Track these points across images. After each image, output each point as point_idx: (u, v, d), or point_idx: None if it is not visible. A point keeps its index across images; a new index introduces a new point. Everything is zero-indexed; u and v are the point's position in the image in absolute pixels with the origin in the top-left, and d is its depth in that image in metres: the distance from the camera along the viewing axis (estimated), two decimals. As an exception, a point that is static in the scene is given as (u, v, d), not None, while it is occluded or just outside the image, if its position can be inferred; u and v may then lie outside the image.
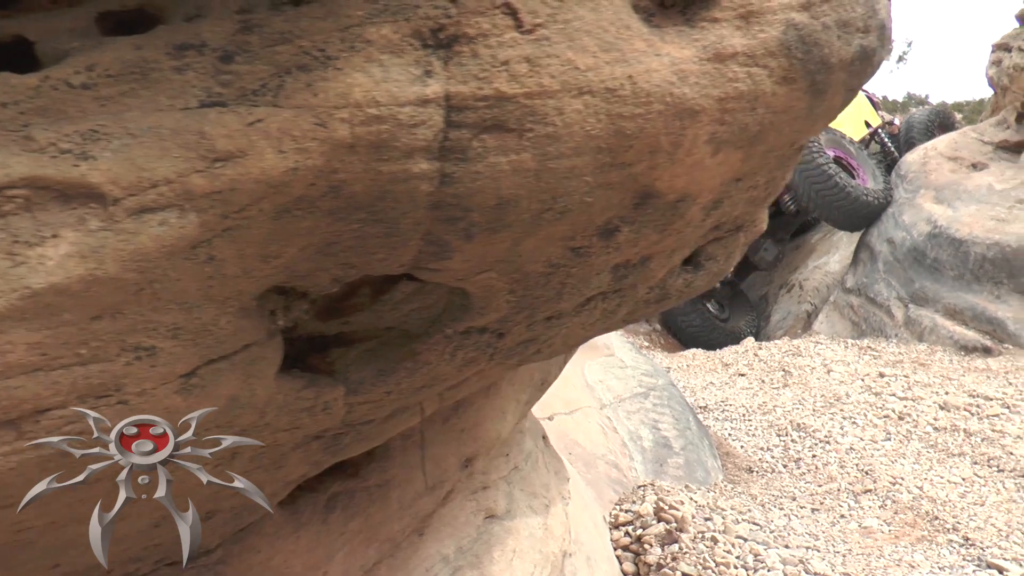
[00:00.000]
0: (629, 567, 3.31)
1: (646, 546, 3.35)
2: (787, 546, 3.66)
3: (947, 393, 6.28)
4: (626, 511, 3.65)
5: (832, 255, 11.24)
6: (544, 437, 3.13)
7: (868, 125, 12.43)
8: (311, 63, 1.12)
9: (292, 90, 1.11)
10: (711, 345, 9.94)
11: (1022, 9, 10.64)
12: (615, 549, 3.38)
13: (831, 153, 9.92)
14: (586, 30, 1.23)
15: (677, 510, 3.60)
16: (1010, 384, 6.51)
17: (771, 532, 3.84)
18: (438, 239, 1.28)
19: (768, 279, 12.04)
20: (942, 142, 10.45)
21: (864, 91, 13.97)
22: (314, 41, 1.11)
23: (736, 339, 10.12)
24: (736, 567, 3.29)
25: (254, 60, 1.10)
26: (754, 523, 3.91)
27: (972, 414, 5.81)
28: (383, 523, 1.98)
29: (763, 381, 7.01)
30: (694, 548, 3.36)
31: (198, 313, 1.16)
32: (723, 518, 3.79)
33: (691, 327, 10.66)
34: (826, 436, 5.46)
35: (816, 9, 1.41)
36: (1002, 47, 10.93)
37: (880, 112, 14.54)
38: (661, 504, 3.65)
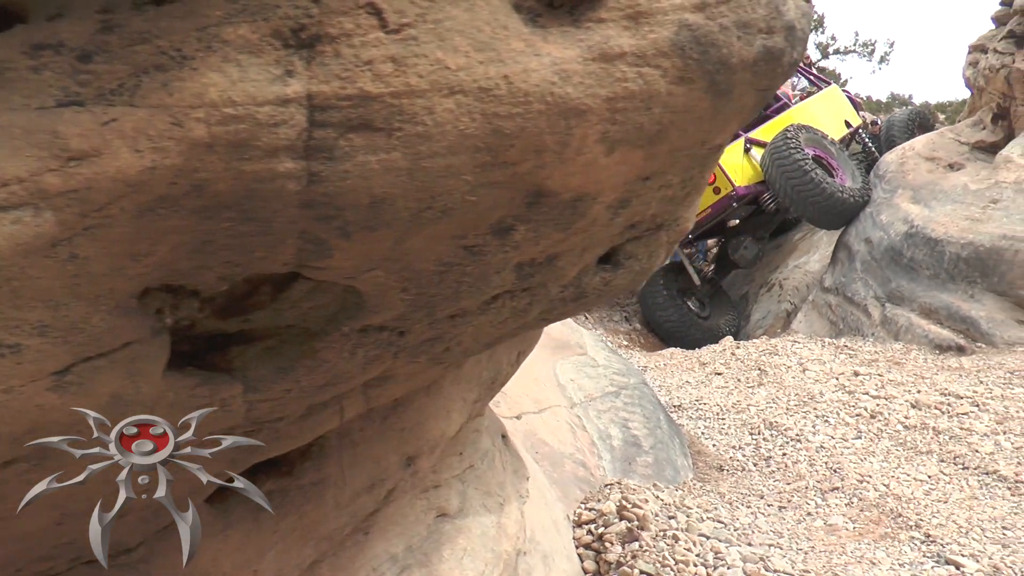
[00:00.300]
0: (590, 565, 3.31)
1: (607, 544, 3.36)
2: (750, 544, 3.67)
3: (919, 392, 6.30)
4: (590, 509, 3.65)
5: (812, 254, 11.28)
6: (504, 436, 3.13)
7: (849, 125, 12.48)
8: (167, 63, 1.11)
9: (148, 90, 1.10)
10: (691, 343, 9.97)
11: (998, 10, 10.68)
12: (577, 547, 3.39)
13: (810, 152, 9.96)
14: (458, 30, 1.22)
15: (640, 508, 3.60)
16: (981, 383, 6.54)
17: (735, 530, 3.85)
18: (315, 237, 1.28)
19: (749, 278, 12.07)
20: (920, 142, 10.50)
21: (846, 91, 14.03)
22: (171, 41, 1.11)
23: (716, 337, 10.16)
24: (696, 565, 3.30)
25: (113, 60, 1.10)
26: (719, 521, 3.92)
27: (942, 412, 5.83)
28: (319, 521, 1.98)
29: (739, 380, 7.02)
30: (654, 546, 3.36)
31: (66, 311, 1.15)
32: (687, 516, 3.80)
33: (671, 325, 10.71)
34: (798, 434, 5.48)
35: (712, 10, 1.41)
36: (978, 48, 10.99)
37: (862, 112, 14.61)
38: (624, 503, 3.66)
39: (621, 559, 3.28)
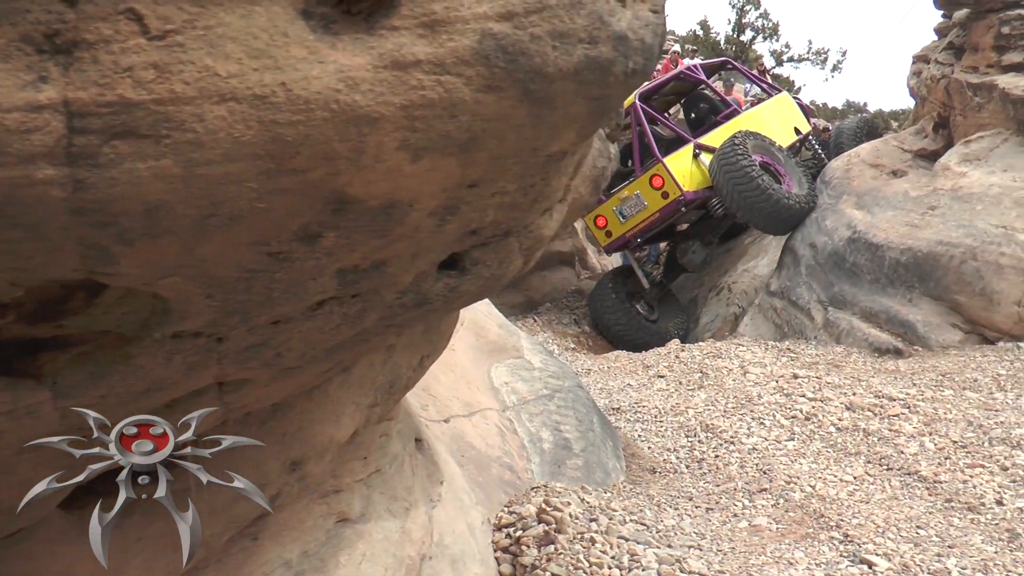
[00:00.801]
0: (507, 569, 3.30)
1: (523, 547, 3.35)
2: (670, 546, 3.68)
3: (854, 394, 6.37)
4: (510, 513, 3.64)
5: (761, 258, 11.38)
6: (418, 440, 3.11)
7: (798, 132, 12.59)
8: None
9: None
10: (640, 346, 10.03)
11: (940, 23, 10.87)
12: (496, 551, 3.38)
13: (758, 158, 10.05)
14: (231, 37, 1.20)
15: (560, 511, 3.60)
16: (914, 385, 6.63)
17: (657, 532, 3.87)
18: (95, 244, 1.25)
19: (699, 281, 12.17)
20: (865, 149, 10.65)
21: (797, 99, 14.18)
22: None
23: (665, 340, 10.24)
24: (609, 567, 3.30)
25: None
26: (642, 523, 3.93)
27: (875, 414, 5.90)
28: (192, 528, 1.95)
29: (680, 383, 7.07)
30: (570, 549, 3.36)
31: None
32: (610, 519, 3.80)
33: (619, 328, 10.79)
34: (732, 436, 5.51)
35: (521, 20, 1.40)
36: (921, 59, 11.18)
37: (815, 119, 14.75)
38: (545, 506, 3.66)
39: (536, 562, 3.27)
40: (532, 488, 4.07)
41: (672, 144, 11.12)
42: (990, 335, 7.74)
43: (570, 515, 3.64)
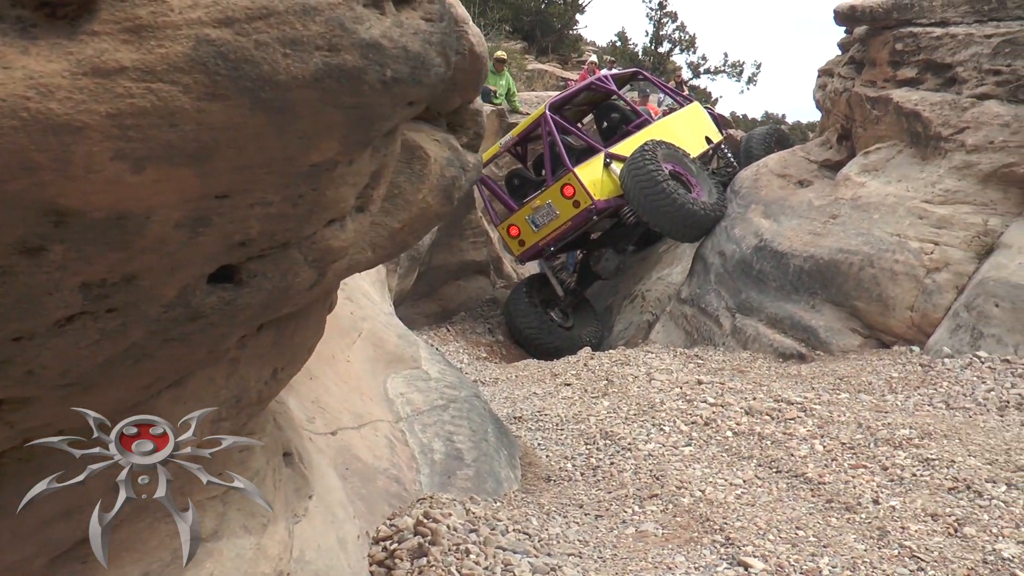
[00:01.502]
0: (380, 582, 3.26)
1: (397, 560, 3.31)
2: (549, 554, 3.68)
3: (754, 399, 6.48)
4: (389, 526, 3.60)
5: (675, 266, 11.53)
6: (287, 454, 3.05)
7: (709, 141, 12.79)
8: None
9: None
10: (555, 353, 10.10)
11: (843, 38, 11.18)
12: (371, 564, 3.33)
13: (667, 167, 10.18)
14: None
15: (438, 522, 3.57)
16: (812, 389, 6.78)
17: (539, 541, 3.86)
18: None
19: (614, 289, 12.28)
20: (773, 159, 10.88)
21: (708, 109, 14.41)
22: None
23: (579, 347, 10.32)
24: (482, 578, 3.29)
25: None
26: (525, 533, 3.92)
27: (772, 418, 6.01)
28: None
29: (586, 391, 7.10)
30: (442, 561, 3.33)
31: None
32: (491, 529, 3.79)
33: (534, 335, 10.86)
34: (630, 443, 5.55)
35: (243, 26, 1.38)
36: (826, 72, 11.48)
37: (729, 130, 15.00)
38: (423, 518, 3.62)
39: (408, 575, 3.24)
40: (418, 500, 4.04)
41: (584, 154, 11.23)
42: (886, 339, 7.98)
43: (448, 527, 3.61)
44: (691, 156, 11.13)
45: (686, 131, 12.28)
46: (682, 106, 13.45)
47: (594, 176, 10.64)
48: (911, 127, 8.87)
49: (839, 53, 11.63)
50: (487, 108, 14.19)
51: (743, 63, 25.29)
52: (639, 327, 10.73)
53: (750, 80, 25.23)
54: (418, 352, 5.73)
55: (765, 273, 8.93)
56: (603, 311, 12.02)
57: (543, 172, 11.47)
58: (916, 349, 7.67)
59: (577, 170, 10.62)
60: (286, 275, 1.82)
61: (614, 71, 15.49)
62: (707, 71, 24.87)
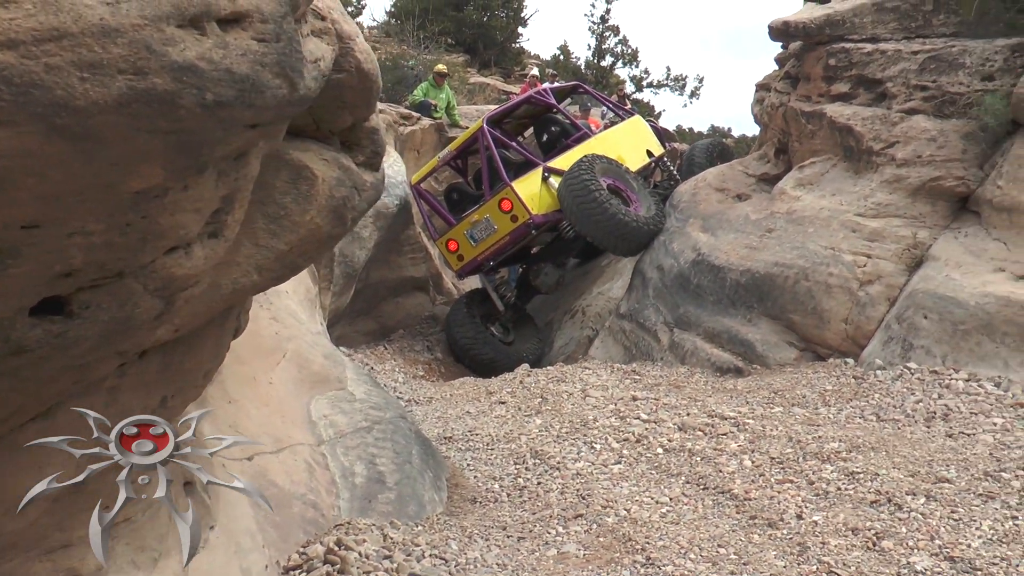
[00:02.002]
0: (289, 612, 3.21)
1: (305, 590, 3.27)
2: (466, 579, 3.66)
3: (688, 414, 6.53)
4: (301, 554, 3.56)
5: (616, 281, 11.60)
6: (188, 483, 3.00)
7: (650, 155, 12.91)
8: None
9: None
10: (496, 369, 10.11)
11: (779, 53, 11.40)
12: (280, 594, 3.28)
13: (605, 181, 10.28)
14: None
15: (351, 550, 3.53)
16: (747, 403, 6.85)
17: (456, 566, 3.84)
18: None
19: (555, 304, 12.33)
20: (712, 173, 11.02)
21: (651, 122, 14.55)
22: None
23: (520, 363, 10.34)
24: (391, 606, 3.26)
25: None
26: (442, 558, 3.89)
27: (704, 434, 6.06)
28: None
29: (519, 408, 7.10)
30: (351, 589, 3.30)
31: None
32: (407, 555, 3.75)
33: (475, 351, 10.90)
34: (559, 462, 5.56)
35: (29, 49, 1.34)
36: (764, 87, 11.68)
37: (673, 144, 15.14)
38: (334, 546, 3.58)
39: (315, 604, 3.19)
40: (335, 526, 3.99)
41: (523, 168, 11.29)
42: (822, 352, 8.10)
43: (360, 554, 3.57)
44: (630, 170, 11.24)
45: (626, 144, 12.40)
46: (624, 120, 13.58)
47: (532, 190, 10.71)
48: (844, 141, 9.05)
49: (776, 68, 11.88)
50: (426, 122, 14.21)
51: (686, 77, 25.70)
52: (579, 343, 10.77)
53: (693, 94, 25.59)
54: (344, 372, 5.68)
55: (703, 287, 9.03)
56: (544, 326, 12.06)
57: (483, 186, 11.52)
58: (850, 361, 7.79)
59: (515, 184, 10.67)
60: (124, 305, 1.78)
61: (555, 84, 15.61)
62: (650, 85, 25.17)
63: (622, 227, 9.89)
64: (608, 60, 24.94)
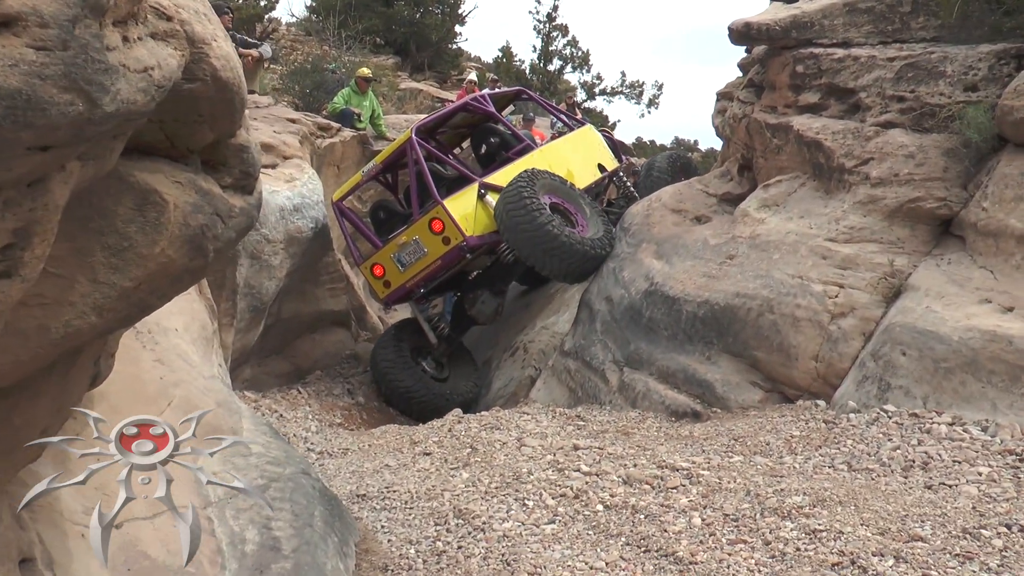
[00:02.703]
0: None
1: None
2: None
3: (635, 465, 6.56)
4: (169, 636, 3.49)
5: (562, 314, 11.67)
6: (26, 560, 2.92)
7: (603, 169, 13.02)
8: None
9: None
10: (428, 410, 10.22)
11: (743, 58, 11.60)
12: None
13: (547, 199, 10.37)
14: None
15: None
16: (703, 452, 6.90)
17: (357, 646, 3.81)
18: None
19: (494, 339, 12.37)
20: (667, 193, 11.14)
21: (605, 133, 14.71)
22: None
23: (457, 403, 10.38)
24: None
25: None
26: (340, 636, 3.86)
27: (652, 487, 6.09)
28: None
29: (446, 460, 7.08)
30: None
31: None
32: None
33: (404, 390, 10.97)
34: (485, 522, 5.54)
35: None
36: (725, 96, 11.87)
37: (627, 158, 15.28)
38: (210, 624, 3.52)
39: None
40: (218, 602, 3.92)
41: (457, 184, 11.38)
42: (790, 393, 8.17)
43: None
44: (575, 186, 11.36)
45: (575, 158, 12.55)
46: (572, 129, 13.71)
47: (466, 209, 10.80)
48: (813, 158, 9.20)
49: (740, 75, 12.08)
50: (347, 133, 14.24)
51: (643, 83, 26.07)
52: (520, 383, 10.80)
53: (651, 103, 25.97)
54: (240, 422, 5.61)
55: (656, 321, 9.11)
56: (483, 365, 12.08)
57: (412, 204, 11.57)
58: (821, 403, 7.85)
59: (447, 202, 10.75)
60: None
61: (496, 91, 15.76)
62: (603, 92, 25.53)
63: (565, 250, 9.99)
64: (556, 64, 25.24)
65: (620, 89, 25.35)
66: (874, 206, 8.35)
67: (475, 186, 11.04)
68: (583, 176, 12.27)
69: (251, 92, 12.94)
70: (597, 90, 25.22)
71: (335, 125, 14.29)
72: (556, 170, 11.48)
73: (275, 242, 10.12)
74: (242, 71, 2.63)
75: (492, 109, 13.06)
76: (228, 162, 2.63)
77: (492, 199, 10.81)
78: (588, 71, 24.94)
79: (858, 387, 7.61)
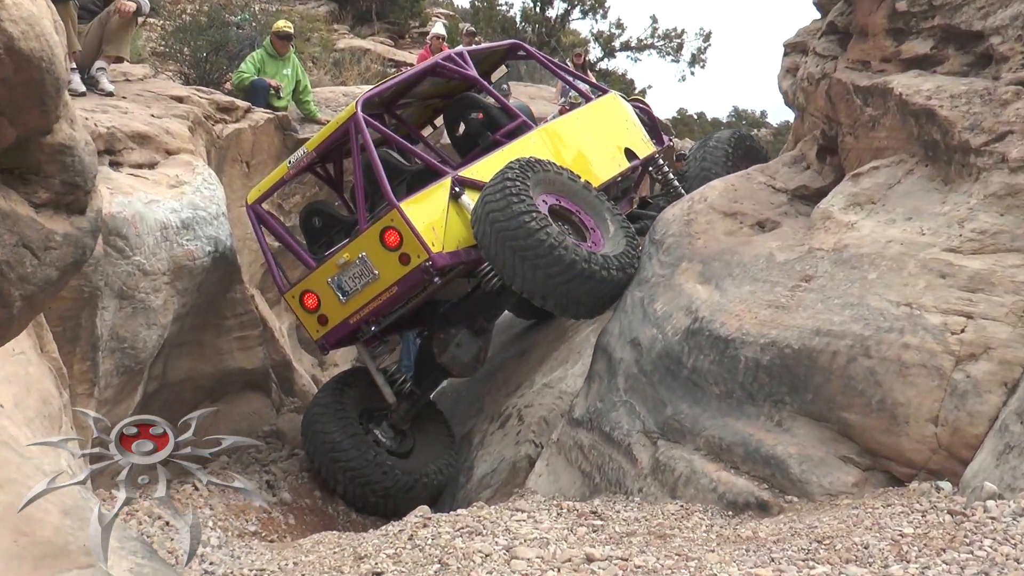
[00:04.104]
0: None
1: None
2: None
3: (676, 584, 6.50)
4: None
5: (572, 366, 11.65)
6: None
7: (632, 156, 12.97)
8: None
9: None
10: (382, 503, 10.32)
11: (821, -10, 11.56)
12: None
13: (544, 200, 10.28)
14: None
15: None
16: (772, 560, 6.83)
17: None
18: None
19: (476, 403, 12.33)
20: (717, 190, 11.04)
21: (637, 103, 14.62)
22: None
23: (423, 489, 10.42)
24: None
25: None
26: None
27: (700, 618, 6.03)
28: None
29: (404, 585, 7.02)
30: None
31: None
32: None
33: (347, 468, 10.99)
34: None
35: None
36: (797, 48, 11.88)
37: (669, 139, 15.23)
38: None
39: None
40: None
41: (422, 179, 11.36)
42: (898, 471, 8.08)
43: None
44: (590, 184, 11.30)
45: (591, 140, 12.64)
46: (588, 99, 13.72)
47: (433, 214, 10.83)
48: (924, 133, 9.14)
49: (817, 17, 12.07)
50: (261, 115, 14.24)
51: (683, 33, 25.93)
52: (513, 467, 10.75)
53: (695, 60, 25.86)
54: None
55: (702, 372, 9.04)
56: (461, 441, 12.04)
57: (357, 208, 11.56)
58: (945, 486, 7.76)
59: (406, 205, 10.70)
60: None
61: (478, 46, 15.75)
62: (626, 47, 25.49)
63: (569, 273, 9.89)
64: (558, 8, 24.95)
65: (650, 42, 25.29)
66: (1014, 200, 8.25)
67: (447, 182, 11.01)
68: (603, 166, 12.30)
69: (119, 59, 12.93)
70: (618, 43, 25.12)
71: (242, 104, 14.25)
72: (563, 158, 11.48)
73: (155, 274, 10.03)
74: (55, 39, 2.58)
75: (473, 72, 13.02)
76: (42, 170, 2.57)
77: (470, 199, 10.74)
78: (604, 16, 24.87)
79: (999, 461, 7.50)
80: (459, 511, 9.05)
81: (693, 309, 9.50)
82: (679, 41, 25.74)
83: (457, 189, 10.94)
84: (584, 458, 9.75)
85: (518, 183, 10.21)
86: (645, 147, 13.39)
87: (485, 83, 13.36)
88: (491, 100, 13.22)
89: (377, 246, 10.83)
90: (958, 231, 8.51)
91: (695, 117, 26.16)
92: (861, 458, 8.23)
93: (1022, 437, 7.42)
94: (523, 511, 8.54)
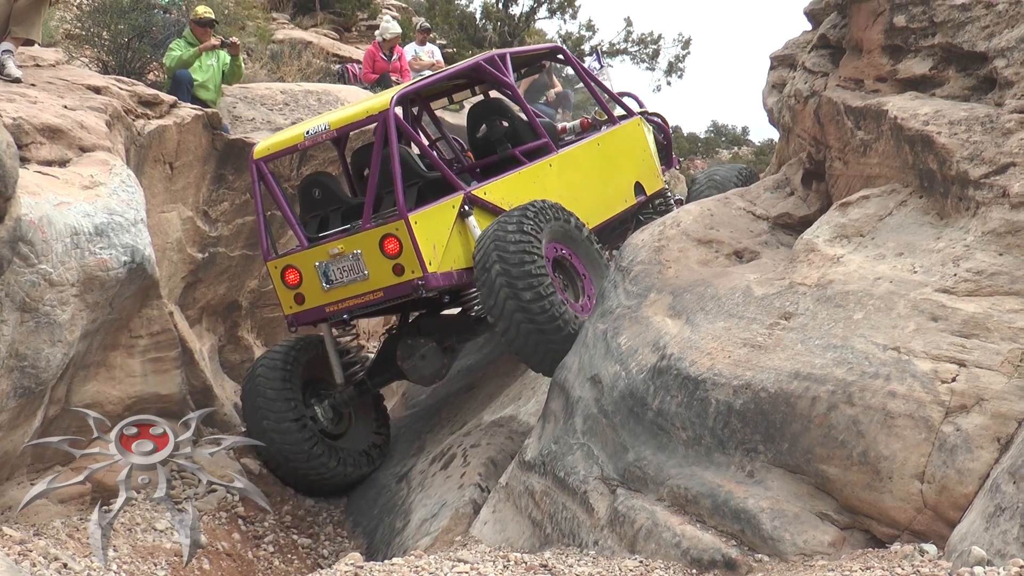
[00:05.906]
0: None
1: None
2: None
3: (631, 651, 6.58)
4: None
5: (525, 403, 11.74)
6: None
7: (642, 191, 13.27)
8: None
9: None
10: (300, 478, 11.28)
11: (812, 2, 11.69)
12: None
13: (552, 250, 11.02)
14: None
15: None
16: (741, 627, 6.93)
17: None
18: None
19: (417, 443, 12.44)
20: (690, 214, 11.11)
21: (655, 120, 14.87)
22: None
23: (346, 472, 11.25)
24: None
25: None
26: None
27: None
28: None
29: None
30: None
31: None
32: None
33: (276, 438, 11.25)
34: None
35: None
36: (784, 61, 12.03)
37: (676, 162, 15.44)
38: None
39: None
40: None
41: (433, 188, 11.62)
42: (880, 531, 8.12)
43: None
44: (591, 233, 11.71)
45: (606, 173, 12.93)
46: (614, 122, 13.99)
47: (438, 233, 11.14)
48: (919, 161, 9.22)
49: (808, 28, 12.21)
50: (188, 111, 14.22)
51: (659, 38, 26.00)
52: (456, 512, 10.76)
53: (672, 69, 25.97)
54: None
55: (668, 415, 9.08)
56: (397, 481, 12.13)
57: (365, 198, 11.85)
58: (930, 549, 7.77)
59: (414, 217, 10.93)
60: None
61: (521, 48, 15.93)
62: (597, 51, 25.57)
63: (557, 335, 10.63)
64: (523, 5, 24.95)
65: (624, 47, 25.38)
66: (1015, 239, 8.31)
67: (458, 200, 11.25)
68: (610, 203, 12.73)
69: (29, 42, 12.86)
70: (587, 47, 25.16)
71: (167, 98, 14.12)
72: (575, 191, 11.78)
73: (63, 285, 9.94)
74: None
75: (510, 79, 13.25)
76: None
77: (476, 223, 11.03)
78: (574, 17, 24.95)
79: (989, 524, 7.47)
80: (394, 560, 9.08)
81: (661, 345, 9.55)
82: (655, 47, 25.92)
83: (467, 208, 11.29)
84: (535, 505, 9.78)
85: (532, 239, 10.71)
86: (655, 182, 13.66)
87: (518, 93, 13.66)
88: (519, 112, 13.49)
89: (375, 249, 11.22)
90: (953, 270, 8.61)
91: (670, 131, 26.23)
92: (839, 515, 8.27)
93: (1015, 498, 7.44)
94: (466, 562, 8.60)
